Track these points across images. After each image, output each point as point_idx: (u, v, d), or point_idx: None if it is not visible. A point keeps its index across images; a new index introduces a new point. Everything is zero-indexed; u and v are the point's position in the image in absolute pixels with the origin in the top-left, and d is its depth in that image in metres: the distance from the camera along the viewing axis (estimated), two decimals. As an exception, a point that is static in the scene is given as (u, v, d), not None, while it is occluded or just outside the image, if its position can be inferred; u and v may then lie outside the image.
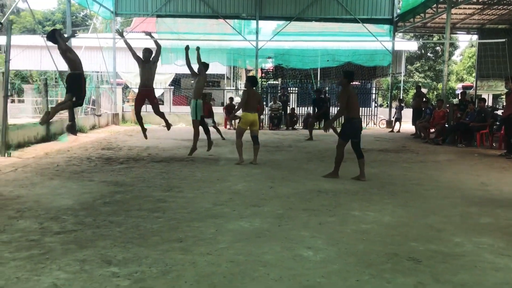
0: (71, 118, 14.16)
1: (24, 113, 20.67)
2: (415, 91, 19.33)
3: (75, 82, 8.64)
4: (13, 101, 24.48)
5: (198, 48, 10.33)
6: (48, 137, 12.60)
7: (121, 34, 10.66)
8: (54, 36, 8.30)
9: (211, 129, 14.50)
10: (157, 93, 25.37)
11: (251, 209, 5.61)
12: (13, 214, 5.16)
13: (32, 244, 4.18)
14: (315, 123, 16.42)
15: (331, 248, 4.23)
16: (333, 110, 20.68)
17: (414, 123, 16.88)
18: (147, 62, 9.80)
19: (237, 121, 12.40)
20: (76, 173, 7.89)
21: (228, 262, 3.84)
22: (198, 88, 10.22)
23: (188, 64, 10.40)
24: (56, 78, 25.81)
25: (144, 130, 10.39)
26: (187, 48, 10.43)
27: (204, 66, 10.29)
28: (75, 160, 9.34)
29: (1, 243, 4.19)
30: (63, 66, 16.75)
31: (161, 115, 10.32)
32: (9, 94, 10.54)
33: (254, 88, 9.41)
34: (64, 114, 16.84)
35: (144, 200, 5.98)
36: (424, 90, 28.04)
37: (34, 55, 22.38)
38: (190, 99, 11.36)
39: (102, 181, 7.21)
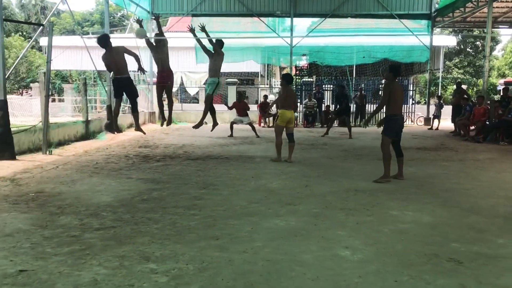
0: (109, 117, 14.44)
1: (64, 111, 21.27)
2: (455, 87, 18.75)
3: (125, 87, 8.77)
4: (53, 100, 25.23)
5: (203, 27, 10.43)
6: (87, 135, 12.93)
7: (139, 22, 10.69)
8: (106, 41, 8.42)
9: (247, 126, 14.59)
10: (192, 91, 25.85)
11: (287, 208, 5.58)
12: (55, 211, 5.31)
13: (73, 240, 4.29)
14: (335, 120, 16.34)
15: (369, 248, 4.16)
16: (370, 107, 20.47)
17: (453, 120, 16.44)
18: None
19: (271, 118, 12.32)
20: (114, 170, 8.05)
21: (265, 260, 3.83)
22: (216, 66, 10.37)
23: (202, 46, 10.56)
24: (94, 78, 26.45)
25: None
26: (192, 31, 10.52)
27: (218, 44, 10.48)
28: (114, 157, 9.54)
29: (44, 238, 4.32)
30: (102, 66, 17.20)
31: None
32: (50, 93, 10.84)
33: (289, 85, 9.38)
34: (102, 113, 17.25)
35: (180, 197, 6.04)
36: (464, 87, 27.33)
37: (74, 55, 22.98)
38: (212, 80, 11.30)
39: (140, 178, 7.33)
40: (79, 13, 44.65)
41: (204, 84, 24.56)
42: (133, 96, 8.20)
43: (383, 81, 20.42)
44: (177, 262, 3.76)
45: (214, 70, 10.53)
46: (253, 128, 14.54)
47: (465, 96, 16.46)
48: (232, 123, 14.86)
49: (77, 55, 22.02)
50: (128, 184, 6.90)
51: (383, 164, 7.32)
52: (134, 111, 8.10)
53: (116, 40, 20.40)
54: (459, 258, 3.94)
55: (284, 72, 32.54)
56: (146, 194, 6.22)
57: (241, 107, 14.97)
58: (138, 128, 8.33)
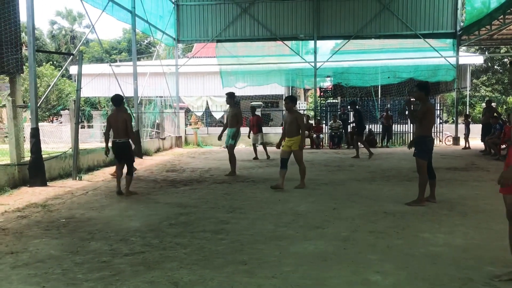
0: (137, 142, 14.70)
1: (93, 137, 21.70)
2: (484, 105, 18.35)
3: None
4: (83, 126, 25.79)
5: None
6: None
7: None
8: (120, 100, 8.40)
9: (259, 148, 14.54)
10: (217, 115, 26.09)
11: (315, 231, 5.53)
12: (85, 236, 5.38)
13: (103, 265, 4.33)
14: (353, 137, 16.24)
15: (400, 272, 4.07)
16: (396, 128, 20.25)
17: (483, 139, 16.08)
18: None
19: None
20: (142, 195, 8.14)
21: (294, 286, 3.78)
22: (231, 117, 10.75)
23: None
24: (124, 104, 26.96)
25: None
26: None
27: (229, 96, 10.71)
28: (142, 182, 9.65)
29: (75, 264, 4.37)
30: (129, 92, 17.58)
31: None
32: (79, 120, 11.11)
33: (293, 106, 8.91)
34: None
35: (207, 221, 6.05)
36: (493, 105, 26.83)
37: (102, 83, 23.52)
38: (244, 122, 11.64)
39: (167, 202, 7.39)
40: (107, 41, 45.91)
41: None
42: (128, 161, 8.22)
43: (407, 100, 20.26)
44: (206, 287, 3.75)
45: (230, 121, 10.75)
46: (265, 149, 14.67)
47: (495, 114, 16.14)
48: (254, 145, 14.92)
49: (105, 82, 22.52)
50: (156, 208, 6.96)
51: (419, 188, 7.07)
52: (128, 174, 8.09)
53: (143, 67, 20.89)
54: (495, 282, 3.81)
55: (308, 93, 32.58)
56: (174, 218, 6.25)
57: (254, 121, 14.96)
58: (128, 192, 7.88)
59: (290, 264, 4.32)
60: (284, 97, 24.12)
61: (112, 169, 11.90)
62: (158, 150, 17.27)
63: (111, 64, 18.50)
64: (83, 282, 3.90)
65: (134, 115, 15.45)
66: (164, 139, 18.59)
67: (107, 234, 5.46)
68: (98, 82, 24.13)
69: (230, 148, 10.67)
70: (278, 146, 9.01)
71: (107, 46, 44.09)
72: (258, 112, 20.94)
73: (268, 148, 14.98)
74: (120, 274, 4.10)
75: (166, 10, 20.08)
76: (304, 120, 19.27)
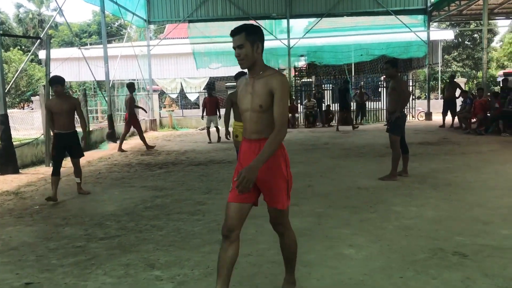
0: (110, 126, 14.52)
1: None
2: (448, 81, 18.40)
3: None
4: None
5: None
6: (89, 146, 12.95)
7: None
8: (61, 82, 6.65)
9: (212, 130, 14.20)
10: (192, 97, 25.89)
11: (291, 209, 5.48)
12: (60, 222, 5.33)
13: (78, 250, 4.31)
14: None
15: (373, 245, 4.16)
16: (371, 105, 20.46)
17: (445, 114, 16.26)
18: None
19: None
20: (117, 179, 8.08)
21: (269, 262, 3.83)
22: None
23: None
24: (94, 88, 26.52)
25: None
26: None
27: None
28: (116, 167, 9.57)
29: (49, 250, 4.33)
30: (100, 76, 17.26)
31: None
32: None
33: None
34: (103, 123, 17.31)
35: (184, 203, 6.05)
36: (463, 79, 27.29)
37: (72, 67, 23.05)
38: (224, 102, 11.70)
39: (143, 186, 7.35)
40: (76, 24, 44.77)
41: (203, 89, 24.64)
42: (77, 155, 6.83)
43: (382, 78, 20.47)
44: (182, 268, 3.77)
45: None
46: (218, 132, 14.02)
47: (459, 89, 16.38)
48: (208, 129, 14.29)
49: (76, 66, 22.10)
50: (131, 192, 6.92)
51: (392, 163, 7.20)
52: (78, 171, 6.83)
53: (114, 49, 20.51)
54: (465, 251, 3.94)
55: (283, 73, 32.60)
56: (150, 201, 6.24)
57: (212, 102, 14.63)
58: (81, 189, 6.97)
59: (266, 241, 4.37)
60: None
61: (86, 154, 11.74)
62: (132, 134, 17.05)
63: (81, 47, 18.10)
64: (58, 267, 3.88)
65: (106, 98, 15.22)
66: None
67: (81, 219, 5.42)
68: (69, 67, 23.62)
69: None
70: (228, 134, 7.68)
71: (76, 29, 43.02)
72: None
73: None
74: (95, 258, 4.08)
75: (136, -10, 19.65)
76: None
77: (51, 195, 6.38)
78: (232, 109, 7.22)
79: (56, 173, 6.55)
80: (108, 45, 16.84)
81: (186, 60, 24.05)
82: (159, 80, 25.11)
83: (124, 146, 13.39)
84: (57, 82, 6.60)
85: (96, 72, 16.86)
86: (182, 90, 25.57)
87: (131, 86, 12.79)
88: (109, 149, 12.95)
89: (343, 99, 17.15)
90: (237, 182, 2.76)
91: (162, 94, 25.44)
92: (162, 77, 25.21)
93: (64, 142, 6.67)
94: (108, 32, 34.96)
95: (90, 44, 32.55)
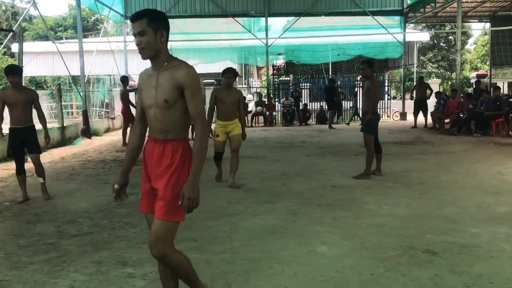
0: (85, 122, 14.32)
1: (39, 118, 20.90)
2: (417, 81, 18.61)
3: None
4: (28, 107, 24.79)
5: None
6: (64, 142, 12.76)
7: None
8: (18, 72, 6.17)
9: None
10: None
11: (265, 206, 5.62)
12: (31, 219, 5.25)
13: (50, 247, 4.25)
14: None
15: (345, 243, 4.22)
16: (346, 104, 20.65)
17: (416, 114, 16.45)
18: None
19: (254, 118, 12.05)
20: (91, 176, 7.98)
21: (243, 260, 3.85)
22: None
23: None
24: (70, 83, 26.10)
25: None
26: None
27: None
28: (90, 163, 9.44)
29: (19, 247, 4.26)
30: (76, 71, 17.00)
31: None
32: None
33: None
34: (78, 118, 17.06)
35: (158, 200, 6.01)
36: (438, 80, 27.76)
37: (47, 61, 22.64)
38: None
39: (117, 183, 7.27)
40: (51, 18, 43.93)
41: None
42: (34, 151, 6.25)
43: (358, 78, 20.68)
44: (155, 265, 3.74)
45: None
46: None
47: (428, 89, 16.61)
48: None
49: (50, 60, 21.71)
50: (105, 189, 6.84)
51: (366, 162, 7.32)
52: (40, 169, 6.24)
53: (91, 44, 20.21)
54: (434, 249, 4.02)
55: (262, 71, 32.58)
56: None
57: None
58: (47, 194, 6.25)
59: (240, 239, 4.38)
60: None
61: (60, 150, 11.56)
62: (107, 130, 16.89)
63: (55, 41, 17.79)
64: (28, 265, 3.82)
65: (81, 94, 15.00)
66: (114, 118, 18.17)
67: (53, 216, 5.34)
68: (43, 60, 23.22)
69: None
70: (209, 133, 6.52)
71: (52, 23, 42.22)
72: (210, 90, 20.81)
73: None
74: (67, 255, 4.03)
75: (113, -15, 19.39)
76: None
77: (22, 197, 6.11)
78: (215, 106, 6.72)
79: (20, 171, 6.20)
80: (84, 40, 16.60)
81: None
82: (136, 76, 24.83)
83: (99, 143, 13.25)
84: (13, 72, 6.01)
85: (71, 66, 16.62)
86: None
87: (124, 80, 12.91)
88: (83, 145, 12.76)
89: (331, 98, 17.53)
90: (184, 206, 2.59)
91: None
92: (139, 73, 24.95)
93: (21, 138, 6.16)
94: (84, 26, 34.42)
95: (66, 38, 32.00)
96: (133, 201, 5.96)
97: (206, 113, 6.26)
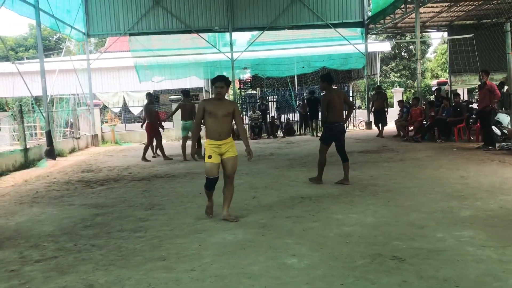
0: (49, 143, 13.98)
1: (1, 141, 20.33)
2: (374, 92, 18.41)
3: None
4: (-12, 130, 24.08)
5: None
6: (27, 164, 12.41)
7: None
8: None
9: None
10: (135, 111, 25.43)
11: (236, 222, 5.58)
12: (-8, 246, 5.05)
13: (12, 274, 4.10)
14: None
15: (315, 254, 4.23)
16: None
17: (377, 124, 16.72)
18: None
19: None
20: (56, 198, 7.77)
21: (213, 276, 3.80)
22: (189, 110, 12.20)
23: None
24: (32, 104, 25.52)
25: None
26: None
27: (183, 94, 12.65)
28: (55, 185, 9.21)
29: (-21, 276, 4.09)
30: (38, 91, 16.61)
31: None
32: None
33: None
34: (42, 139, 16.63)
35: (125, 220, 5.91)
36: (401, 89, 28.42)
37: (7, 82, 22.12)
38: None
39: (83, 204, 7.11)
40: (11, 38, 42.98)
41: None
42: None
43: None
44: (123, 287, 3.67)
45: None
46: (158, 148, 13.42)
47: (385, 101, 16.89)
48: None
49: (10, 81, 21.19)
50: (71, 211, 6.68)
51: (318, 167, 7.84)
52: None
53: (53, 63, 19.85)
54: (402, 255, 4.07)
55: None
56: (90, 220, 6.04)
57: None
58: None
59: (209, 255, 4.33)
60: (213, 82, 23.82)
61: (23, 173, 11.24)
62: (73, 150, 16.53)
63: (15, 62, 17.39)
64: (-11, 294, 3.67)
65: (44, 114, 14.67)
66: (79, 138, 17.82)
67: (16, 242, 5.16)
68: (3, 82, 22.68)
69: (185, 139, 12.34)
70: (194, 154, 5.92)
71: (12, 43, 41.31)
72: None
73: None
74: (30, 281, 3.90)
75: (74, 3, 19.15)
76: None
77: None
78: (205, 121, 5.62)
79: None
80: (46, 59, 16.30)
81: (128, 74, 23.68)
82: (101, 94, 24.55)
83: (64, 164, 12.97)
84: None
85: (33, 87, 16.25)
86: (125, 104, 25.09)
87: (150, 95, 13.27)
88: (48, 166, 12.45)
89: (314, 108, 17.91)
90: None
91: (104, 108, 24.83)
92: (104, 91, 24.65)
93: None
94: (46, 46, 33.81)
95: (28, 58, 31.33)
96: (100, 222, 5.86)
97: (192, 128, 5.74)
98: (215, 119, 5.49)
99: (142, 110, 24.14)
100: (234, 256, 4.27)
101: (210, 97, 5.63)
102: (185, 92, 12.85)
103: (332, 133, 7.67)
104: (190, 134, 11.97)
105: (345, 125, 8.05)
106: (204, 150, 5.68)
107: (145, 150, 12.90)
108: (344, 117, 8.27)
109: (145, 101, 13.72)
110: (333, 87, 7.96)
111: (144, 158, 12.67)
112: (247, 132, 19.83)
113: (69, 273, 4.05)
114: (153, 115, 12.90)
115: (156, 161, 12.64)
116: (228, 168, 5.60)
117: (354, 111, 22.17)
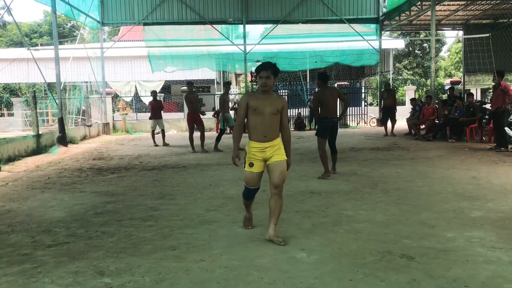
0: (61, 130, 14.10)
1: (14, 126, 20.53)
2: (383, 89, 17.85)
3: None
4: (2, 115, 24.33)
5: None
6: (39, 150, 12.54)
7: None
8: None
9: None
10: (147, 100, 25.54)
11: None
12: (5, 229, 5.13)
13: (24, 258, 4.16)
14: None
15: (324, 249, 4.24)
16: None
17: (385, 122, 16.29)
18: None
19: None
20: (67, 184, 7.85)
21: (222, 267, 3.83)
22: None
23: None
24: (45, 90, 25.70)
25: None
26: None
27: (224, 85, 12.77)
28: (66, 171, 9.30)
29: (-7, 258, 4.16)
30: (51, 78, 16.73)
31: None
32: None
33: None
34: (54, 126, 16.77)
35: (136, 209, 5.95)
36: (413, 87, 28.22)
37: (22, 68, 22.26)
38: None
39: (94, 191, 7.18)
40: (26, 24, 43.28)
41: (159, 92, 24.34)
42: None
43: (335, 85, 20.89)
44: (133, 275, 3.71)
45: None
46: (163, 136, 14.44)
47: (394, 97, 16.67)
48: (153, 132, 14.47)
49: (25, 67, 21.32)
50: (82, 198, 6.74)
51: (321, 162, 8.08)
52: None
53: (67, 50, 19.95)
54: (411, 253, 4.07)
55: (240, 78, 32.59)
56: (100, 207, 6.10)
57: (156, 106, 14.72)
58: None
59: (219, 246, 4.36)
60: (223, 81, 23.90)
61: (35, 159, 11.35)
62: (84, 138, 16.66)
63: (31, 48, 17.50)
64: (1, 276, 3.73)
65: (57, 101, 14.78)
66: (90, 126, 17.95)
67: (28, 226, 5.23)
68: (17, 68, 22.83)
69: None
70: (235, 158, 4.71)
71: (27, 29, 41.59)
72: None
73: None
74: (42, 266, 3.95)
75: (89, -9, 19.21)
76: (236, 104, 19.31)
77: None
78: (247, 119, 4.64)
79: None
80: (60, 47, 16.37)
81: (141, 63, 23.72)
82: (113, 83, 24.63)
83: (75, 151, 13.08)
84: None
85: (47, 73, 16.38)
86: (136, 93, 25.18)
87: (191, 84, 13.13)
88: (59, 153, 12.56)
89: None
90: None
91: (116, 97, 24.94)
92: (116, 80, 24.74)
93: None
94: (60, 33, 33.95)
95: (41, 44, 31.53)
96: (110, 210, 5.91)
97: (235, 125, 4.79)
98: (261, 117, 4.50)
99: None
100: (244, 248, 4.29)
101: (250, 91, 4.33)
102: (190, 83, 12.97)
103: (325, 127, 8.07)
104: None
105: (338, 121, 8.41)
106: (246, 154, 4.65)
107: (191, 141, 12.48)
108: (339, 113, 8.82)
109: (157, 91, 13.85)
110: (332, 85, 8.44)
111: (192, 148, 12.40)
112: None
113: (80, 259, 4.10)
114: (194, 105, 12.61)
115: (167, 151, 12.69)
116: (275, 176, 4.56)
117: (366, 108, 22.12)
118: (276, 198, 4.60)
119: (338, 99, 8.31)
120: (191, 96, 12.59)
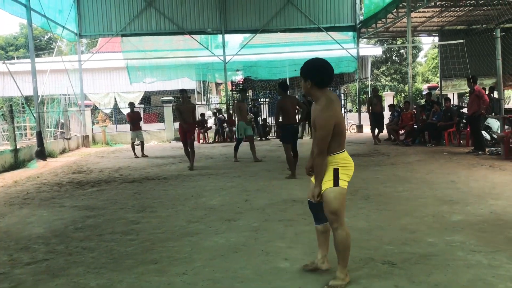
0: (39, 143, 13.88)
1: (-10, 141, 20.13)
2: (371, 95, 17.90)
3: None
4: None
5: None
6: (17, 165, 12.32)
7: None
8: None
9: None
10: (126, 112, 25.34)
11: (227, 224, 5.58)
12: (-19, 248, 5.00)
13: (1, 277, 4.06)
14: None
15: (308, 258, 4.23)
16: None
17: (373, 128, 15.71)
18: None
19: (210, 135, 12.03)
20: (46, 199, 7.72)
21: (205, 280, 3.80)
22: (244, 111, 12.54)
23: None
24: (22, 104, 25.33)
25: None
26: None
27: (240, 92, 13.05)
28: (45, 186, 9.14)
29: (-31, 279, 4.05)
30: (28, 92, 16.49)
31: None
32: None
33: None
34: (32, 140, 16.50)
35: (116, 223, 5.88)
36: (392, 93, 28.59)
37: (-3, 82, 21.92)
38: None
39: (73, 206, 7.07)
40: (2, 37, 42.68)
41: (139, 103, 24.21)
42: None
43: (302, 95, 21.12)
44: (114, 290, 3.66)
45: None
46: (142, 148, 14.39)
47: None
48: (133, 144, 14.37)
49: (1, 81, 20.99)
50: (61, 213, 6.63)
51: (288, 165, 8.93)
52: None
53: (44, 63, 19.72)
54: (393, 260, 4.09)
55: (221, 87, 32.62)
56: (81, 222, 6.00)
57: (134, 117, 14.70)
58: None
59: (202, 259, 4.33)
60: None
61: (13, 174, 11.15)
62: (63, 151, 16.43)
63: (6, 62, 17.25)
64: (-21, 297, 3.64)
65: (34, 114, 14.57)
66: (69, 139, 17.72)
67: (6, 244, 5.12)
68: (-7, 81, 22.43)
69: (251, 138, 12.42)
70: (309, 169, 4.15)
71: (2, 42, 41.04)
72: (169, 107, 20.63)
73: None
74: (20, 285, 3.87)
75: (66, 3, 19.05)
76: (200, 117, 19.15)
77: None
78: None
79: None
80: (37, 59, 16.18)
81: (119, 74, 23.60)
82: (92, 95, 24.42)
83: (54, 164, 12.89)
84: None
85: (24, 87, 16.14)
86: (116, 105, 24.98)
87: (184, 91, 11.74)
88: (38, 167, 12.36)
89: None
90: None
91: (95, 109, 24.70)
92: (95, 92, 24.54)
93: None
94: (37, 45, 33.57)
95: (18, 57, 31.11)
96: (91, 225, 5.83)
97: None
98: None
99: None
100: (227, 260, 4.27)
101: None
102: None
103: (287, 132, 8.81)
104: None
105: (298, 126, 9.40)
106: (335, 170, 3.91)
107: (187, 156, 11.34)
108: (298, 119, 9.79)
109: (137, 102, 13.75)
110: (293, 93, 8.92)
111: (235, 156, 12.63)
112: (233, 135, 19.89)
113: (60, 276, 4.03)
114: (185, 116, 11.26)
115: (148, 162, 12.59)
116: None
117: (345, 114, 22.26)
118: (335, 233, 3.80)
119: (297, 106, 9.17)
120: (181, 107, 11.29)
